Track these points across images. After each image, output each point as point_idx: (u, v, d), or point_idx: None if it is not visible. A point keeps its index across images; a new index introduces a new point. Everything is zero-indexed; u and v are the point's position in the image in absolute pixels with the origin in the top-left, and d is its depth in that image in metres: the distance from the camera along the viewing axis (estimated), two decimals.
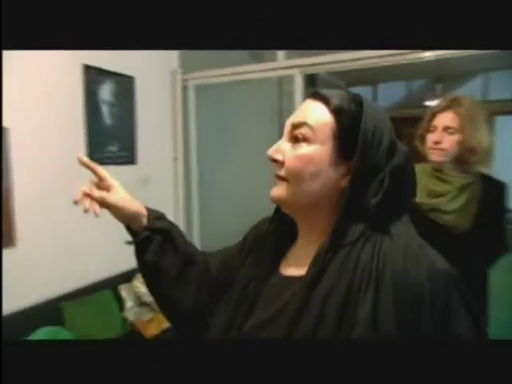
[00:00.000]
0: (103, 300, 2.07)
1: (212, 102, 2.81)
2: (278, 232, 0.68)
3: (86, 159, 0.71)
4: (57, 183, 1.92)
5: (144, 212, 0.73)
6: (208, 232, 2.81)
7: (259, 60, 2.68)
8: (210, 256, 0.79)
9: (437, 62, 2.13)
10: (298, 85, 2.29)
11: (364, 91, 4.76)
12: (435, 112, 1.29)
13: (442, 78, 4.44)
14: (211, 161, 2.84)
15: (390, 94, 4.93)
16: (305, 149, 0.57)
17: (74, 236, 2.04)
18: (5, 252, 1.69)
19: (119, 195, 0.71)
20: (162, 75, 2.64)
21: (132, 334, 2.06)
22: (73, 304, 1.91)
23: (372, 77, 4.61)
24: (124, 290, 2.21)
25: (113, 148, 2.28)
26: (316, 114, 0.58)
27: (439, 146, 1.25)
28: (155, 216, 0.74)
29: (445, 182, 1.29)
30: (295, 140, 0.59)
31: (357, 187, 0.56)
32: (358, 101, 0.58)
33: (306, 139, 0.58)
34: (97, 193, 0.68)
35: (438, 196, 1.29)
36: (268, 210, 0.72)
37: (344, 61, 2.13)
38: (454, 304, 0.50)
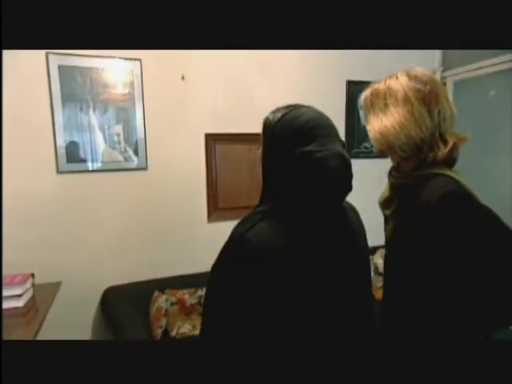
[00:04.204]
0: None
1: (469, 95, 2.76)
2: None
3: None
4: None
5: None
6: None
7: None
8: None
9: None
10: None
11: None
12: None
13: None
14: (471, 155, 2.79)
15: None
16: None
17: None
18: None
19: None
20: None
21: None
22: None
23: None
24: None
25: (366, 144, 2.78)
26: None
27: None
28: None
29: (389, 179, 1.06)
30: None
31: (264, 176, 0.81)
32: (277, 118, 0.79)
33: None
34: None
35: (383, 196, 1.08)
36: None
37: None
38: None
